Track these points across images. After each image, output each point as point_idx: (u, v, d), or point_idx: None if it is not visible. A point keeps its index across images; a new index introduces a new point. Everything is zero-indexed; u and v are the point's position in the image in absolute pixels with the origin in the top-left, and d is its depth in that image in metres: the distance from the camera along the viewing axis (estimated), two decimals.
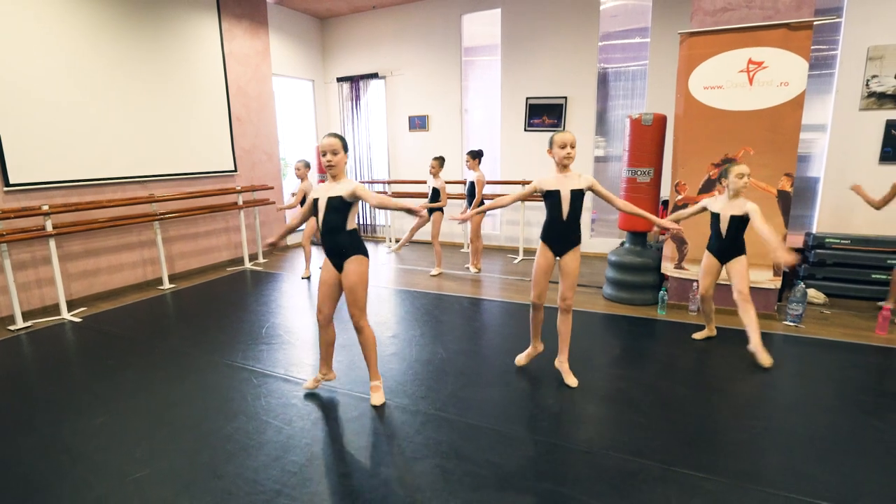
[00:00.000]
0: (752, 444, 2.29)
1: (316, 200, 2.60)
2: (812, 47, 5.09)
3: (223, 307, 4.53)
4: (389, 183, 7.31)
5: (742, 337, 3.31)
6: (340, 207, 2.52)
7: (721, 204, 3.24)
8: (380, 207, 2.60)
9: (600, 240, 6.42)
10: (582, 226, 2.91)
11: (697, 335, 3.60)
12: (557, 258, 2.86)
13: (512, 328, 3.87)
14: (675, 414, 2.57)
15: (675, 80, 4.03)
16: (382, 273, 5.70)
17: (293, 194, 5.38)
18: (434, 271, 5.53)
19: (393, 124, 7.41)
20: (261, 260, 6.34)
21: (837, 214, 5.01)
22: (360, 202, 2.57)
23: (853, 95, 4.96)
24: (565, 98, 6.15)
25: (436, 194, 5.39)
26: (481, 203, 5.40)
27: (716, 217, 3.28)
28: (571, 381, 2.90)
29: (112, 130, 4.84)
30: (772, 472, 2.07)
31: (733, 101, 3.79)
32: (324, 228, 2.57)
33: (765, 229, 2.92)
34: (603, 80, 6.08)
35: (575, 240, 2.82)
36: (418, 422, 2.53)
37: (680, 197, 4.09)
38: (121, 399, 2.84)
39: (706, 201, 3.35)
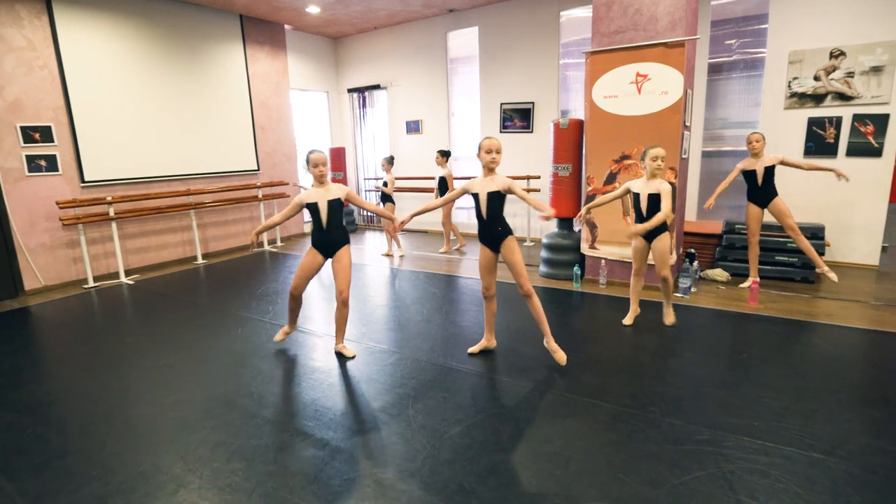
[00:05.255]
0: (629, 371, 3.18)
1: (314, 204, 3.15)
2: (743, 51, 5.71)
3: (238, 277, 5.82)
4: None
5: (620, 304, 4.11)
6: (339, 207, 3.22)
7: (641, 185, 3.59)
8: (363, 208, 3.37)
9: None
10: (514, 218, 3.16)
11: (627, 320, 3.85)
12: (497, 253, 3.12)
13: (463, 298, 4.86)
14: (582, 355, 3.43)
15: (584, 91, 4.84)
16: (363, 257, 6.84)
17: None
18: (399, 251, 6.64)
19: (394, 128, 8.51)
20: (278, 243, 7.66)
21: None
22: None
23: (778, 96, 5.51)
24: (533, 103, 6.99)
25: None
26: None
27: (636, 197, 3.61)
28: (559, 357, 3.12)
29: (159, 139, 6.27)
30: (630, 392, 2.98)
31: (626, 108, 4.56)
32: (328, 225, 3.19)
33: (666, 206, 3.44)
34: (565, 85, 6.86)
35: (502, 233, 3.04)
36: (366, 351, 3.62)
37: (590, 188, 4.90)
38: (153, 327, 4.12)
39: (629, 183, 3.66)
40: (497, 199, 3.00)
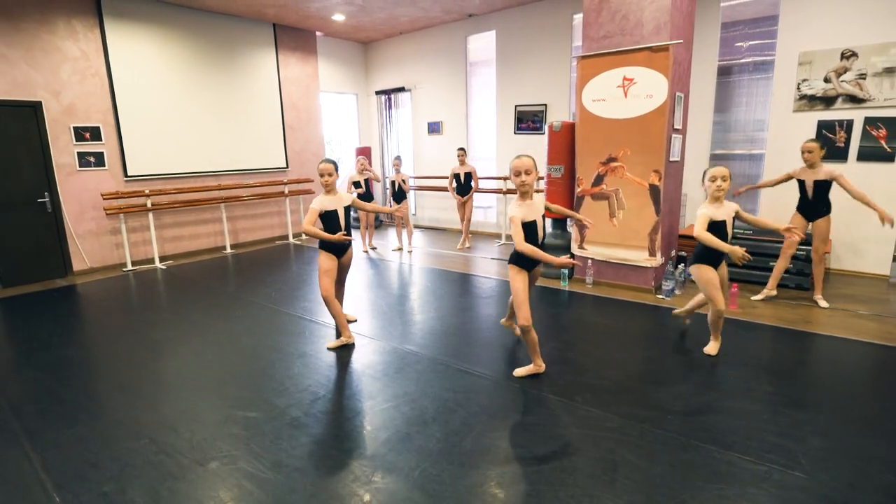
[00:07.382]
0: (606, 364, 3.39)
1: (332, 212, 3.45)
2: (753, 53, 5.59)
3: (258, 266, 6.35)
4: (416, 178, 8.77)
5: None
6: (348, 213, 3.60)
7: (715, 210, 3.15)
8: (368, 211, 3.74)
9: None
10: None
11: (708, 349, 3.36)
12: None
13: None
14: (542, 349, 3.70)
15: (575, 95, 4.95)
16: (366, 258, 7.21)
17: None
18: (408, 247, 6.97)
19: (417, 129, 8.85)
20: (303, 237, 8.19)
21: (774, 208, 5.46)
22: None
23: (787, 98, 5.37)
24: (545, 105, 7.10)
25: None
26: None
27: (723, 224, 3.15)
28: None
29: (195, 138, 6.91)
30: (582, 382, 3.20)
31: (613, 111, 4.64)
32: (347, 229, 3.52)
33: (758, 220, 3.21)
34: None
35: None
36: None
37: (579, 189, 5.00)
38: (170, 306, 4.67)
39: (709, 212, 3.14)
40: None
